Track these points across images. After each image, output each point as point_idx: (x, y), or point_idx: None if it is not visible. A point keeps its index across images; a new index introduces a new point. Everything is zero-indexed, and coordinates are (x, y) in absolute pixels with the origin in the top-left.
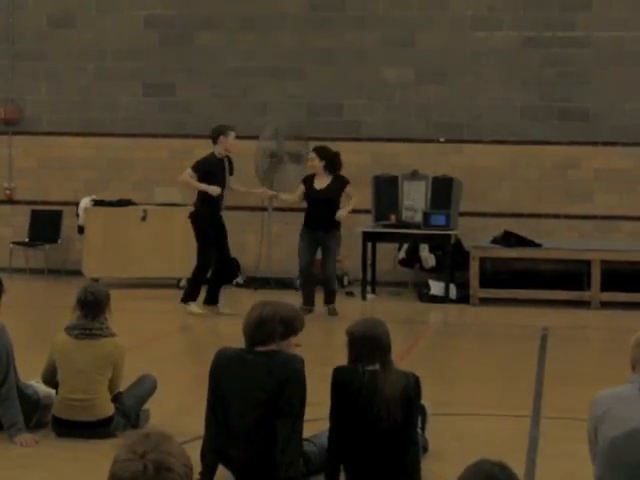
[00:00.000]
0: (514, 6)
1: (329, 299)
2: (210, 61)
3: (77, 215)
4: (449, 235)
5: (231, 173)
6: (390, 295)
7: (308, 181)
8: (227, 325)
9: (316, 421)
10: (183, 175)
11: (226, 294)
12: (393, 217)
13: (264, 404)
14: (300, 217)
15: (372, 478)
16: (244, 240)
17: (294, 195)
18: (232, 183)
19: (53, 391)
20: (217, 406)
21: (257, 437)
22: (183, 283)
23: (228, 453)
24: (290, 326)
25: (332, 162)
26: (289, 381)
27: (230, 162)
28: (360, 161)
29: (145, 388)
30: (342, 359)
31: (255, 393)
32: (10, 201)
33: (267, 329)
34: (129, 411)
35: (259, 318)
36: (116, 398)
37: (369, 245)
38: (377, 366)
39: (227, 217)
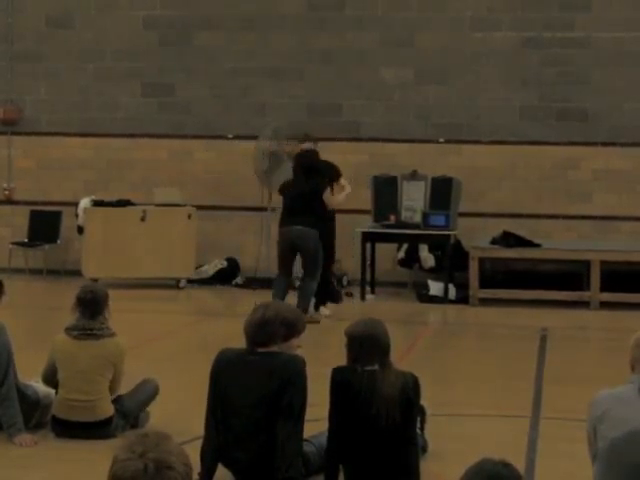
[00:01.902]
0: (513, 6)
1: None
2: (209, 61)
3: (76, 215)
4: (448, 235)
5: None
6: (389, 295)
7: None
8: (227, 325)
9: (315, 421)
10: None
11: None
12: (392, 217)
13: (265, 405)
14: None
15: (371, 478)
16: (243, 240)
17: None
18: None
19: (53, 391)
20: (217, 406)
21: (257, 437)
22: (182, 283)
23: (228, 453)
24: (292, 328)
25: None
26: (290, 382)
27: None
28: (359, 161)
29: (146, 393)
30: (341, 359)
31: (256, 394)
32: (9, 201)
33: (269, 330)
34: (129, 413)
35: (261, 319)
36: (116, 400)
37: (368, 245)
38: (376, 366)
39: (225, 217)
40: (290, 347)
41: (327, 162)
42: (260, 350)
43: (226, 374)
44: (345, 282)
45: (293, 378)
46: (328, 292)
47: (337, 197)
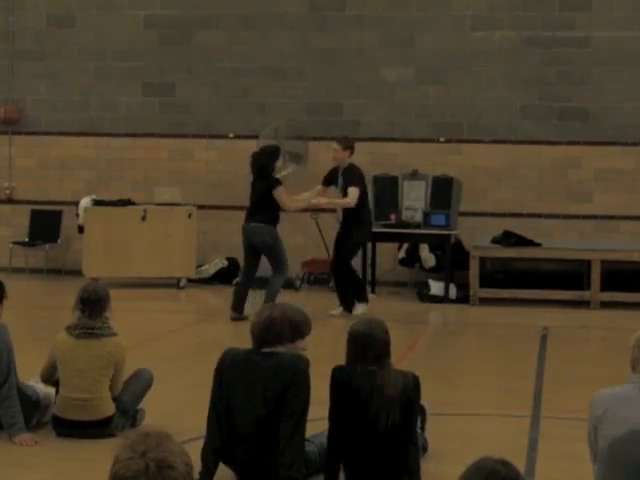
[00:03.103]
0: (514, 6)
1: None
2: (210, 61)
3: (77, 215)
4: (449, 235)
5: (345, 185)
6: (390, 295)
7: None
8: (228, 325)
9: (316, 421)
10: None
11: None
12: (393, 217)
13: (268, 404)
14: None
15: (372, 478)
16: None
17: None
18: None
19: (53, 391)
20: (220, 405)
21: (260, 437)
22: (183, 283)
23: (230, 453)
24: (298, 329)
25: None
26: (293, 381)
27: (345, 173)
28: (360, 161)
29: (142, 383)
30: (342, 358)
31: (260, 393)
32: (10, 201)
33: (275, 331)
34: (128, 409)
35: (268, 319)
36: (115, 397)
37: (369, 245)
38: (376, 366)
39: (225, 216)
40: (295, 348)
41: (353, 166)
42: (265, 350)
43: (230, 373)
44: None
45: (296, 378)
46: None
47: (289, 202)
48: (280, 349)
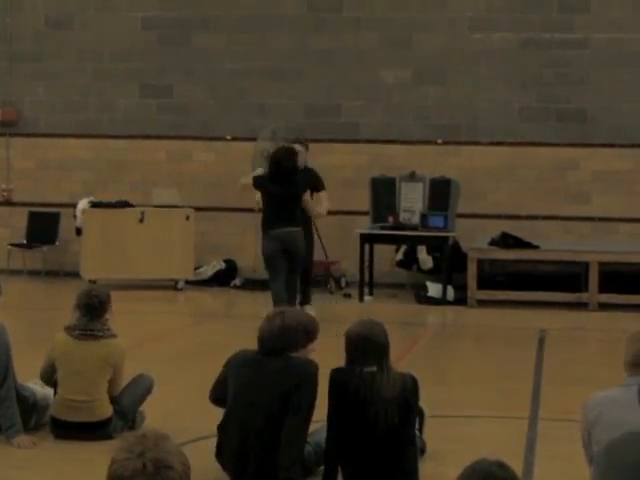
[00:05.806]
0: (512, 7)
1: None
2: (208, 62)
3: (75, 217)
4: (447, 237)
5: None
6: (388, 297)
7: None
8: (226, 327)
9: (316, 422)
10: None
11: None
12: (391, 218)
13: (275, 407)
14: None
15: (370, 479)
16: (241, 241)
17: None
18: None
19: (51, 393)
20: (229, 406)
21: (264, 437)
22: (181, 285)
23: (235, 451)
24: (310, 334)
25: None
26: (302, 384)
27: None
28: (358, 162)
29: (142, 388)
30: (340, 361)
31: (267, 396)
32: (8, 202)
33: (291, 338)
34: (127, 412)
35: (282, 327)
36: (114, 399)
37: (367, 247)
38: (374, 367)
39: (223, 218)
40: (307, 352)
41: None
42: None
43: (239, 375)
44: (343, 283)
45: (305, 380)
46: None
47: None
48: (293, 354)
